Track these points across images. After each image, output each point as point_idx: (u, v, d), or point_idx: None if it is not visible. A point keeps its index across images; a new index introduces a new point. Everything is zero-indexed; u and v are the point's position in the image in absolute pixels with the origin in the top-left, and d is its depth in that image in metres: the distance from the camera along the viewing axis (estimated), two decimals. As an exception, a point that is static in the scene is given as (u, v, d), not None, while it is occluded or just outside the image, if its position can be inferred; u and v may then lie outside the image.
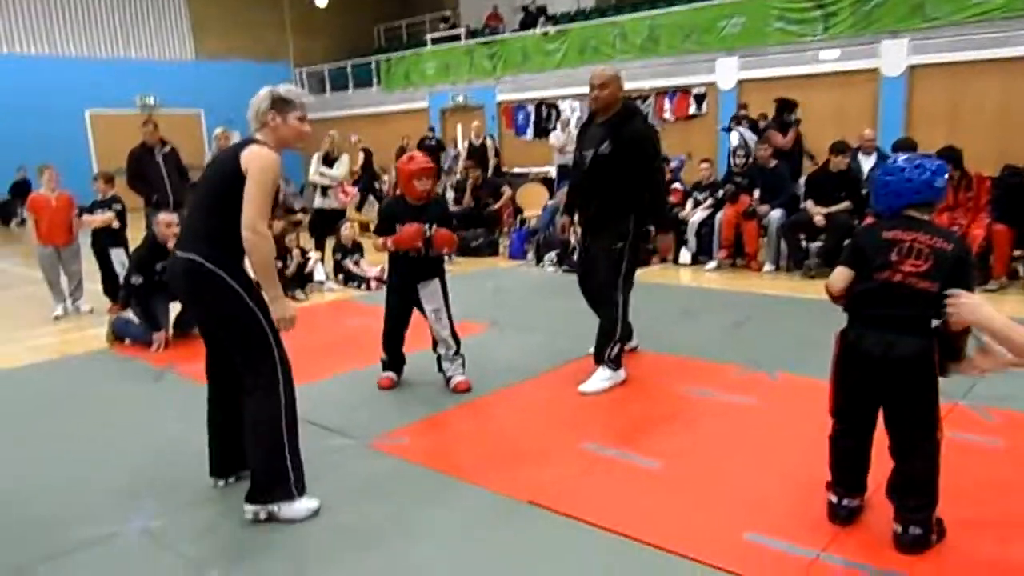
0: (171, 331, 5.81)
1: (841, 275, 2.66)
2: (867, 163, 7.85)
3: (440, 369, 4.52)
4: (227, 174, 2.88)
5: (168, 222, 5.77)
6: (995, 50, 10.19)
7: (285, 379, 2.98)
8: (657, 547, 2.68)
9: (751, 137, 9.52)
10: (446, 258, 4.78)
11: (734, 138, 9.68)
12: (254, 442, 3.00)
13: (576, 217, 4.80)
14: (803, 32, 12.01)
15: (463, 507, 3.07)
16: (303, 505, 3.02)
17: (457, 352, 4.48)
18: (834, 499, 2.76)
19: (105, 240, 7.12)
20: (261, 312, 2.92)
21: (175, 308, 5.83)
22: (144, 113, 12.82)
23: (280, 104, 2.97)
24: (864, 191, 7.38)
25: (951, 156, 6.69)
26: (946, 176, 2.64)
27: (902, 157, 2.69)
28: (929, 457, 2.55)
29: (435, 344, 4.49)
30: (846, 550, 2.59)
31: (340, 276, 8.07)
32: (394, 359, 4.60)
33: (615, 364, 4.45)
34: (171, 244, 5.76)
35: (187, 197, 8.50)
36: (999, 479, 3.10)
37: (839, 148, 7.42)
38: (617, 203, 4.38)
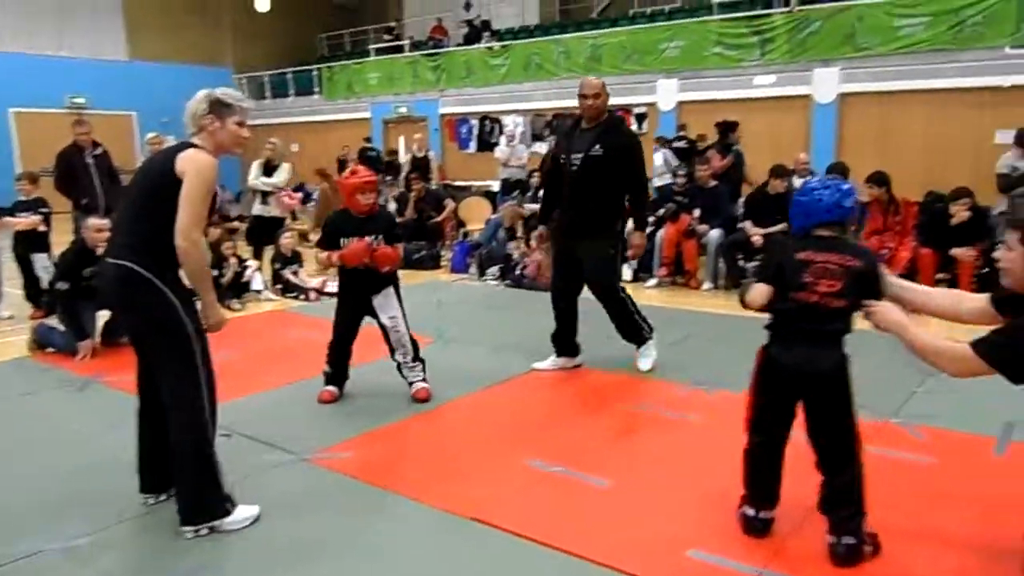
0: (98, 340, 5.58)
1: (761, 292, 2.73)
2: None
3: (402, 375, 4.47)
4: (161, 177, 2.77)
5: (99, 227, 5.54)
6: (920, 81, 10.66)
7: (209, 398, 2.89)
8: (601, 564, 2.67)
9: (672, 159, 9.84)
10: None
11: (657, 158, 9.94)
12: (181, 464, 2.89)
13: (548, 224, 5.00)
14: (740, 57, 12.35)
15: (405, 524, 3.01)
16: (242, 514, 2.94)
17: (416, 358, 4.44)
18: (751, 512, 2.82)
19: (29, 244, 6.81)
20: (192, 326, 2.83)
21: (103, 316, 5.60)
22: (73, 113, 12.37)
23: (219, 107, 2.89)
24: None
25: (881, 180, 6.97)
26: (854, 197, 2.75)
27: (815, 179, 2.82)
28: (854, 467, 2.63)
29: (392, 352, 4.43)
30: (788, 566, 2.63)
31: (278, 286, 7.89)
32: (338, 372, 4.49)
33: (651, 336, 4.95)
34: (101, 250, 5.55)
35: (119, 201, 8.23)
36: (930, 494, 3.19)
37: (779, 172, 7.63)
38: (606, 206, 4.64)
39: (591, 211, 4.63)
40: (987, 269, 6.62)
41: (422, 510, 3.10)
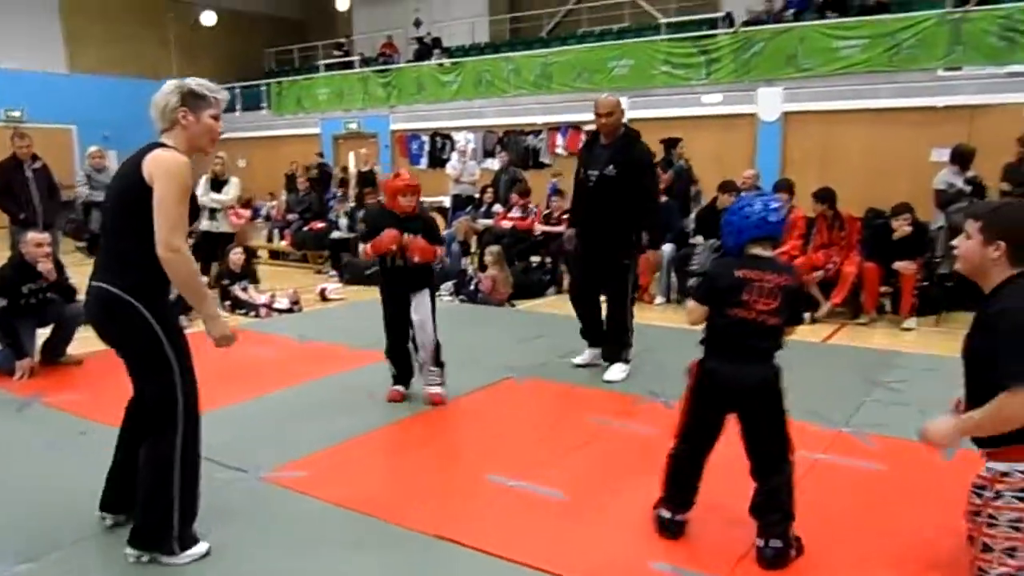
0: (37, 358, 5.37)
1: (697, 311, 2.84)
2: (749, 202, 8.26)
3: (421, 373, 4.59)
4: (130, 187, 2.56)
5: (38, 242, 5.35)
6: (859, 101, 11.02)
7: (186, 423, 2.72)
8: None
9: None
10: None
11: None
12: (141, 483, 2.75)
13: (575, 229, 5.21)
14: (687, 76, 12.61)
15: (367, 543, 2.95)
16: (189, 553, 2.78)
17: (437, 362, 4.53)
18: (667, 515, 2.92)
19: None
20: (174, 350, 2.67)
21: (42, 334, 5.41)
22: (10, 127, 11.95)
23: (192, 100, 2.66)
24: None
25: (827, 196, 7.16)
26: (780, 212, 2.84)
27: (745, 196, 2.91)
28: (785, 475, 2.72)
29: (415, 351, 4.55)
30: (751, 574, 2.65)
31: (227, 303, 7.72)
32: (402, 372, 4.63)
33: (627, 362, 5.13)
34: (41, 266, 5.36)
35: (57, 215, 7.98)
36: (882, 500, 3.26)
37: (727, 187, 7.78)
38: (620, 219, 4.86)
39: (607, 224, 4.88)
40: (927, 282, 6.87)
41: (381, 528, 3.04)
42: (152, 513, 2.72)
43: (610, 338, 5.16)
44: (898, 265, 6.65)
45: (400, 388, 4.64)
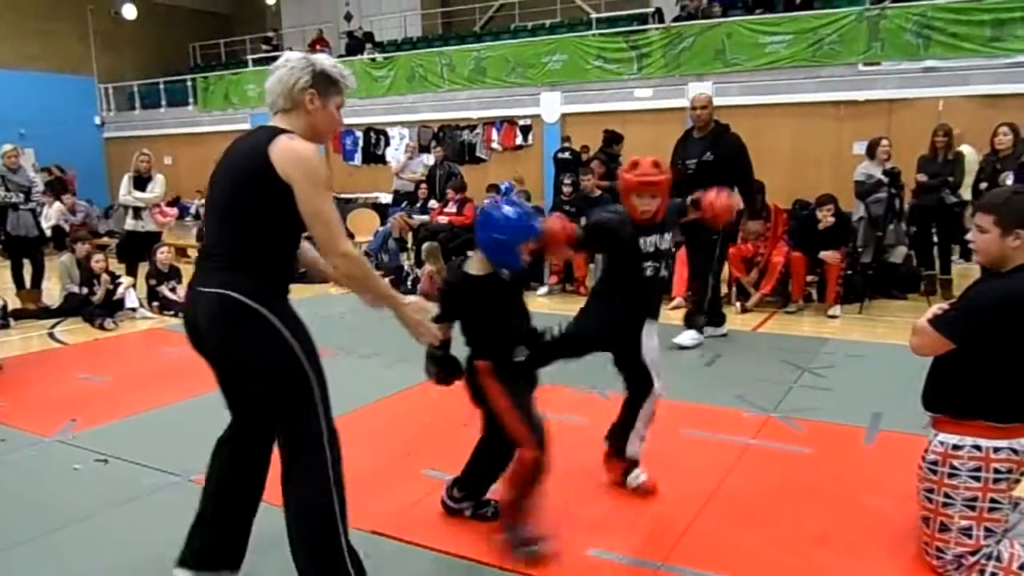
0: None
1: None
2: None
3: None
4: (253, 179, 2.18)
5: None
6: (785, 95, 11.34)
7: (332, 449, 2.35)
8: (504, 569, 2.67)
9: None
10: None
11: None
12: (301, 542, 2.34)
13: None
14: (620, 71, 12.76)
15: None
16: None
17: None
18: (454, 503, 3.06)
19: None
20: (309, 362, 2.30)
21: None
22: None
23: (324, 82, 2.31)
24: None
25: (757, 188, 7.34)
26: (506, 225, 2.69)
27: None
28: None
29: None
30: (687, 559, 2.70)
31: (155, 303, 7.49)
32: None
33: (701, 331, 5.76)
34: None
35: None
36: (811, 483, 3.36)
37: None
38: None
39: None
40: (850, 271, 7.11)
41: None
42: (325, 569, 2.35)
43: (692, 305, 5.85)
44: (824, 254, 6.86)
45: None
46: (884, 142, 7.43)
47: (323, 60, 2.34)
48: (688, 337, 5.70)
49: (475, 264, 2.76)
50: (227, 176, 2.30)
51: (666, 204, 3.16)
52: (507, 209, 2.71)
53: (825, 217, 6.95)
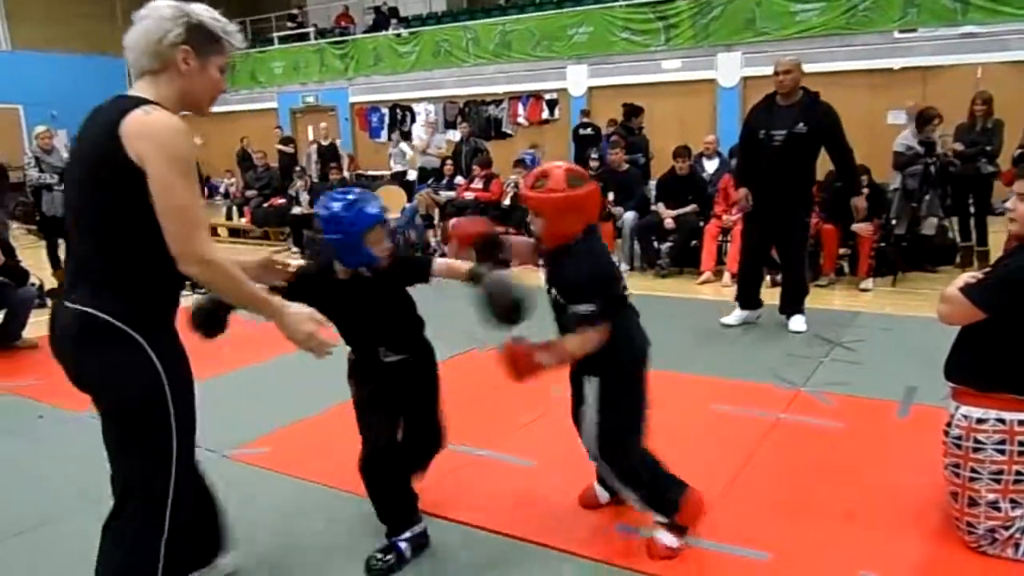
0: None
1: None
2: (710, 166, 8.33)
3: None
4: (105, 168, 1.77)
5: (-18, 225, 5.22)
6: (817, 64, 11.03)
7: (176, 515, 1.95)
8: (535, 543, 2.69)
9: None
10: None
11: None
12: None
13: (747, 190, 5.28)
14: (647, 43, 12.58)
15: (334, 517, 2.95)
16: None
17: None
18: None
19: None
20: (176, 408, 1.91)
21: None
22: (-49, 107, 11.57)
23: (201, 38, 1.90)
24: (709, 193, 7.81)
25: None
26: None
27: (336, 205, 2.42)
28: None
29: None
30: (717, 534, 2.70)
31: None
32: None
33: (804, 312, 5.37)
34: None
35: (3, 198, 7.76)
36: (843, 457, 3.33)
37: (678, 152, 7.80)
38: (804, 178, 5.09)
39: (791, 183, 5.03)
40: (883, 244, 6.98)
41: (348, 500, 3.04)
42: None
43: (788, 295, 5.42)
44: (856, 227, 6.73)
45: None
46: (931, 112, 7.20)
47: (201, 10, 1.94)
48: (801, 322, 5.33)
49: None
50: (77, 166, 1.90)
51: (565, 234, 2.45)
52: (334, 205, 2.40)
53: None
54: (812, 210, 5.40)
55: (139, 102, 1.81)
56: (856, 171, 5.48)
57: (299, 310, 1.99)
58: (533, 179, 2.47)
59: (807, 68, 11.38)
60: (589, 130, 11.12)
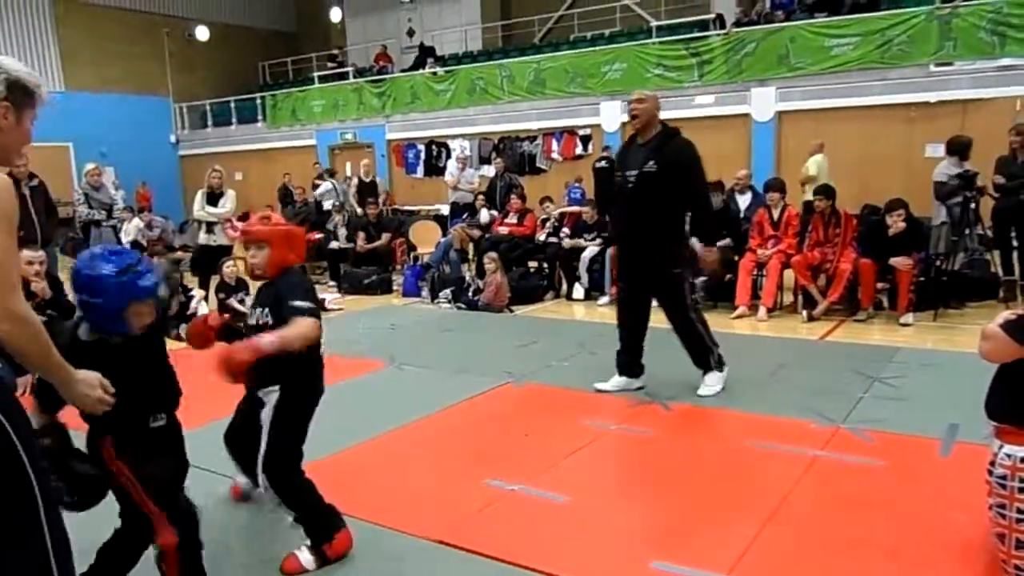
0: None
1: None
2: (743, 201, 8.31)
3: None
4: None
5: (28, 260, 5.41)
6: (853, 98, 11.07)
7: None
8: (567, 580, 2.67)
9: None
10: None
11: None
12: None
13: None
14: (680, 79, 12.64)
15: (368, 549, 2.96)
16: None
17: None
18: None
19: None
20: (34, 470, 1.72)
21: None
22: (5, 146, 12.06)
23: (20, 95, 1.89)
24: (743, 228, 7.79)
25: (828, 192, 7.18)
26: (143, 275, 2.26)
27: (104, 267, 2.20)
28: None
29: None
30: (750, 572, 2.66)
31: (224, 315, 7.73)
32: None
33: (720, 366, 4.72)
34: (33, 285, 5.39)
35: (55, 232, 8.03)
36: (883, 496, 3.26)
37: (712, 187, 7.79)
38: (664, 224, 4.49)
39: (650, 229, 4.51)
40: (924, 278, 6.88)
41: (384, 535, 3.05)
42: None
43: (690, 355, 4.75)
44: (894, 261, 6.65)
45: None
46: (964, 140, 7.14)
47: (16, 67, 1.91)
48: (713, 382, 4.71)
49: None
50: None
51: (285, 261, 2.80)
52: (103, 267, 2.19)
53: (896, 222, 6.74)
54: (681, 261, 4.58)
55: None
56: (711, 220, 4.93)
57: (86, 375, 1.98)
58: (258, 218, 2.90)
59: (842, 102, 11.41)
60: (603, 163, 11.14)
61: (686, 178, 4.45)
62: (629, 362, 4.87)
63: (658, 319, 4.86)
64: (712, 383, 4.72)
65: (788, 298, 7.57)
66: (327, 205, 11.62)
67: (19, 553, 1.71)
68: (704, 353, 4.73)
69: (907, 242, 6.74)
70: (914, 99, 10.64)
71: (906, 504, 3.15)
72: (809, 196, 7.94)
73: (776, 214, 7.46)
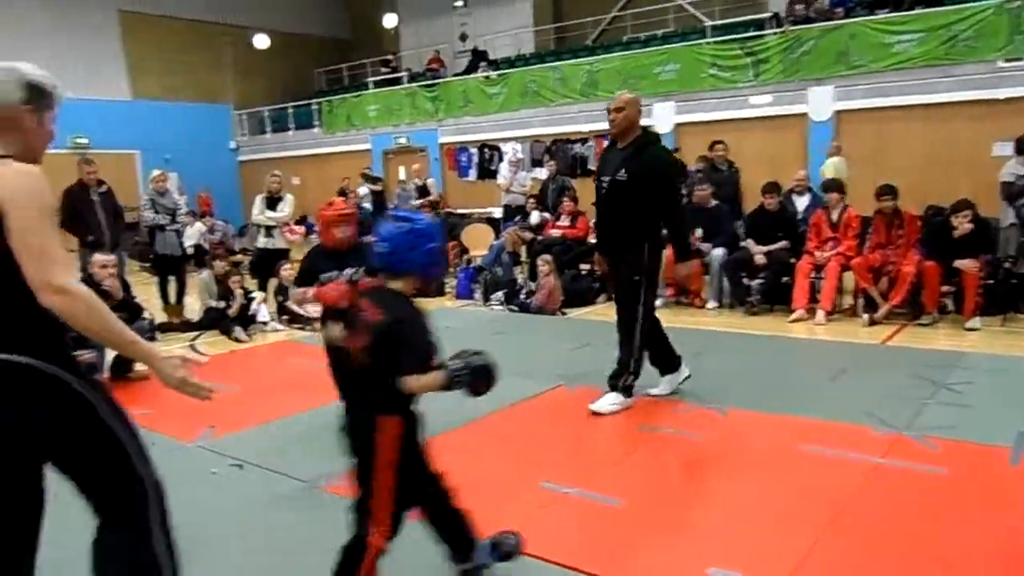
0: (107, 374, 5.60)
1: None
2: (801, 203, 8.14)
3: None
4: None
5: (103, 263, 5.62)
6: (915, 96, 10.74)
7: (158, 506, 2.10)
8: (621, 584, 2.66)
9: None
10: None
11: None
12: None
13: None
14: (735, 79, 12.46)
15: (422, 549, 2.99)
16: None
17: None
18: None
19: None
20: (115, 414, 2.01)
21: (112, 351, 5.62)
22: (77, 153, 12.46)
23: (39, 97, 2.00)
24: (800, 230, 7.64)
25: (891, 192, 6.98)
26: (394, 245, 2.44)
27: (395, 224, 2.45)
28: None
29: None
30: (808, 581, 2.61)
31: (285, 317, 7.92)
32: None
33: (626, 392, 4.57)
34: (107, 284, 5.61)
35: (123, 237, 8.33)
36: (946, 505, 3.17)
37: (767, 188, 7.69)
38: (633, 231, 4.46)
39: (620, 234, 4.53)
40: (992, 280, 6.64)
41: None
42: None
43: (617, 361, 4.64)
44: (960, 263, 6.45)
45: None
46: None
47: (31, 70, 2.00)
48: (607, 402, 4.55)
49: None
50: None
51: None
52: (413, 217, 2.49)
53: (962, 224, 6.54)
54: (641, 269, 4.45)
55: None
56: (684, 232, 4.85)
57: (171, 354, 2.01)
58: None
59: (905, 100, 11.10)
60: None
61: (657, 188, 4.39)
62: (661, 358, 4.82)
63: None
64: (608, 400, 4.56)
65: (847, 301, 7.40)
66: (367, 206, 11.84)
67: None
68: (621, 371, 4.60)
69: (974, 244, 6.53)
70: (981, 96, 10.27)
71: (974, 514, 3.05)
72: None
73: (835, 215, 7.30)
